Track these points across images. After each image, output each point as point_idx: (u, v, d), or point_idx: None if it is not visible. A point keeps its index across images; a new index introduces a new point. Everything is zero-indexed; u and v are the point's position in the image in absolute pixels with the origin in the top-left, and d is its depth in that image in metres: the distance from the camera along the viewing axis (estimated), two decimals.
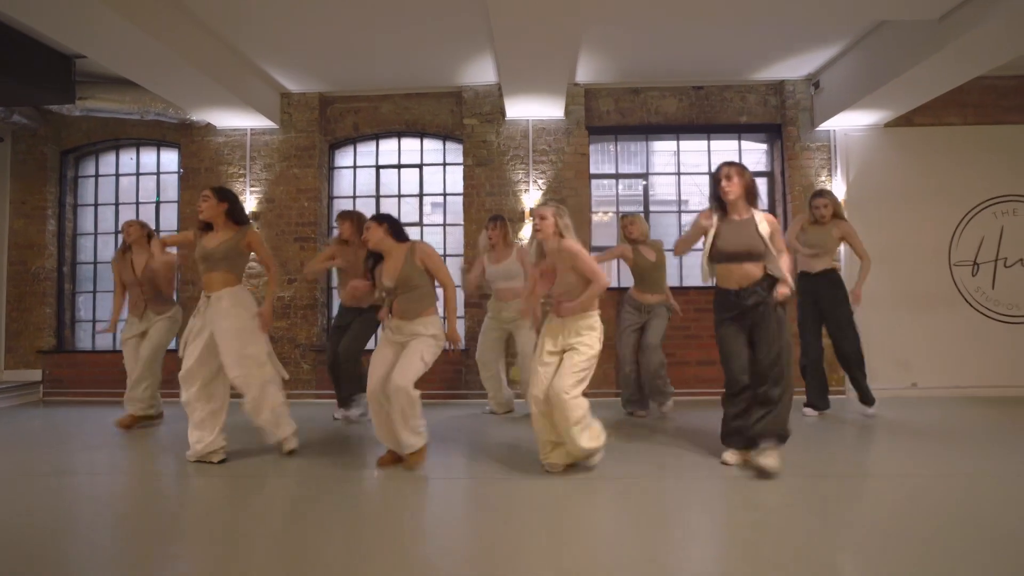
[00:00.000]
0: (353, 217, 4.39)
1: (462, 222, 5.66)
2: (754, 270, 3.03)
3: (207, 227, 3.42)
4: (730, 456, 3.21)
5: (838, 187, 5.48)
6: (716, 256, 3.10)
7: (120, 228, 4.44)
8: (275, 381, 3.41)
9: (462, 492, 3.00)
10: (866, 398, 4.45)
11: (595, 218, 5.85)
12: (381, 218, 3.24)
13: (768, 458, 2.94)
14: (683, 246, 3.43)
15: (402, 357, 3.09)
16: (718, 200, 3.15)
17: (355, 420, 4.41)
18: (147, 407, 4.35)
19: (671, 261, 5.10)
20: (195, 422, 3.27)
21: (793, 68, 5.36)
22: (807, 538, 2.27)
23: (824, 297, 4.38)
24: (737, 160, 5.71)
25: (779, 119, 5.65)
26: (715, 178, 3.16)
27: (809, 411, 4.49)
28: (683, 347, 5.37)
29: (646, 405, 4.59)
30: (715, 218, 3.14)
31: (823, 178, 5.54)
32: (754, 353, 3.10)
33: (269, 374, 3.37)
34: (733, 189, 3.07)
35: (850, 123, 5.42)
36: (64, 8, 3.53)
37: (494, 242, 4.43)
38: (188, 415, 3.29)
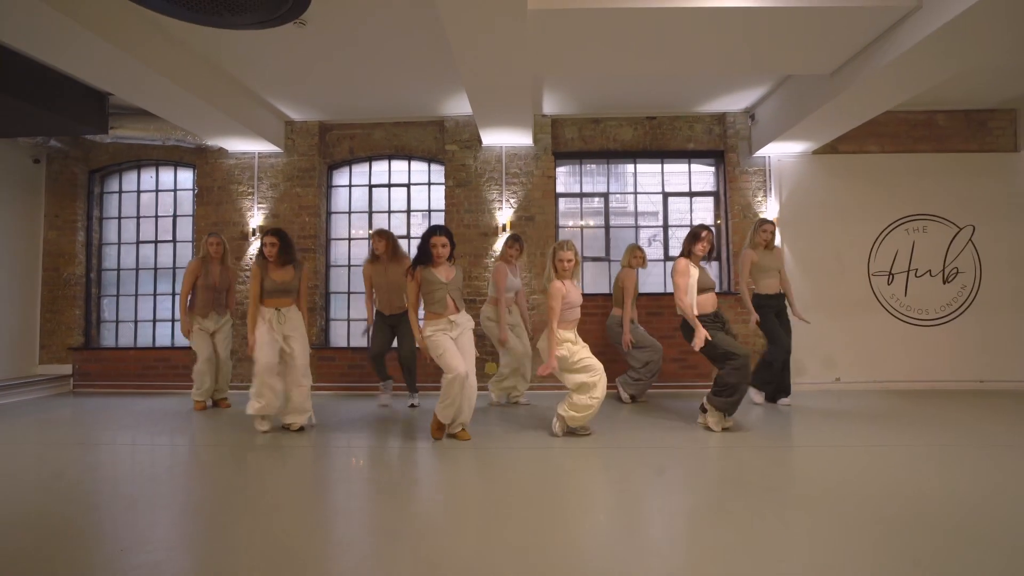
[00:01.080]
0: (388, 237, 5.19)
1: None
2: (714, 299, 4.23)
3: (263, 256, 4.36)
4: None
5: (772, 207, 6.28)
6: (701, 290, 4.17)
7: (205, 241, 5.36)
8: None
9: (501, 457, 3.68)
10: (786, 391, 5.25)
11: (562, 232, 6.62)
12: (450, 236, 3.96)
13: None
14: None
15: (466, 354, 3.89)
16: (690, 252, 4.22)
17: (417, 406, 5.21)
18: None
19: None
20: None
21: (733, 102, 6.16)
22: (770, 495, 2.96)
23: (781, 313, 5.17)
24: (688, 182, 6.58)
25: (722, 146, 6.45)
26: (697, 236, 4.19)
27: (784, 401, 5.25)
28: None
29: None
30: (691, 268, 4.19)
31: (759, 198, 6.33)
32: None
33: None
34: (703, 251, 4.19)
35: (783, 151, 6.22)
36: (93, 56, 4.14)
37: (513, 259, 5.17)
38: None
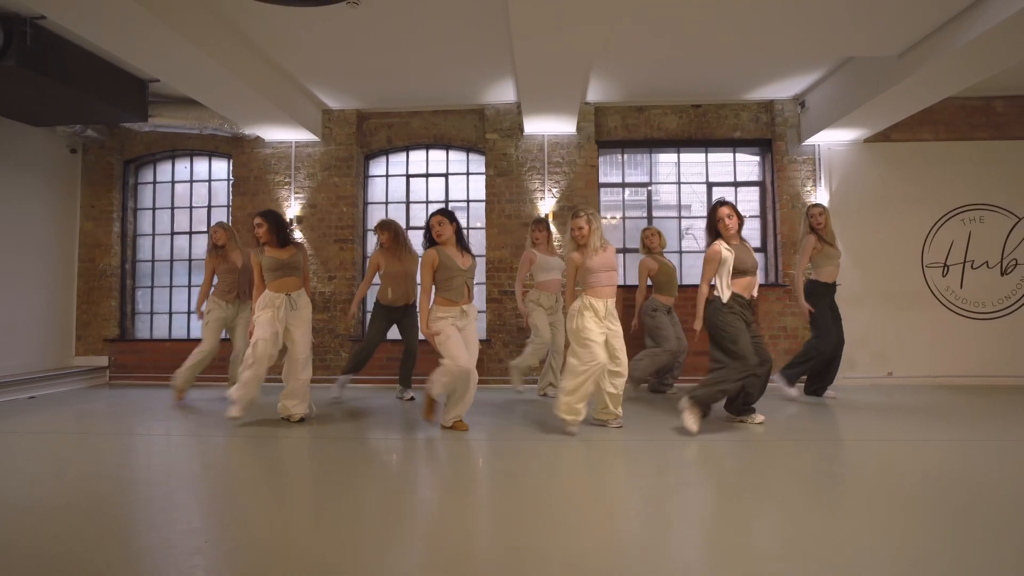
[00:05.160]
0: (391, 227, 5.05)
1: (484, 226, 6.33)
2: (752, 284, 3.90)
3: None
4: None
5: (822, 197, 6.10)
6: (738, 273, 3.82)
7: (209, 231, 5.24)
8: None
9: (501, 449, 3.61)
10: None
11: (604, 223, 6.47)
12: (453, 218, 3.85)
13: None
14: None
15: (472, 346, 3.78)
16: (717, 233, 3.88)
17: (413, 399, 5.11)
18: None
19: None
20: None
21: (782, 89, 5.99)
22: (809, 493, 2.76)
23: (834, 303, 5.02)
24: (732, 172, 6.41)
25: (769, 135, 6.27)
26: (716, 216, 3.88)
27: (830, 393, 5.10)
28: None
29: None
30: (724, 249, 3.84)
31: (808, 188, 6.16)
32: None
33: None
34: (734, 224, 3.85)
35: (833, 139, 6.04)
36: (143, 38, 4.10)
37: (539, 240, 5.10)
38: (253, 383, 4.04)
